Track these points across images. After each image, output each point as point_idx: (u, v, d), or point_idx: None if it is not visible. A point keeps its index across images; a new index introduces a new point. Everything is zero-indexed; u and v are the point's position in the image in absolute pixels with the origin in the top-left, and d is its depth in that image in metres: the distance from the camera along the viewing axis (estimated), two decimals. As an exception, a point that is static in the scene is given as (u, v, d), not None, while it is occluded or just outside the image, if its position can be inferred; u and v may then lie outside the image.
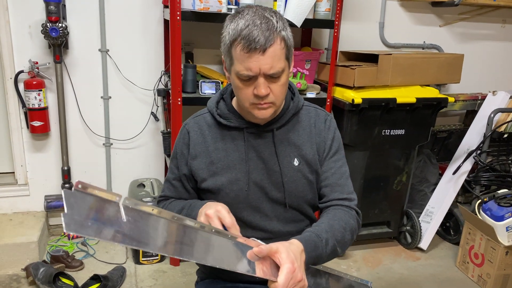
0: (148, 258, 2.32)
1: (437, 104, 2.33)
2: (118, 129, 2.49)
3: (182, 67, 2.11)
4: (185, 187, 1.22)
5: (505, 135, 2.51)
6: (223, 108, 1.18)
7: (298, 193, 1.17)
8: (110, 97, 2.43)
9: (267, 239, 1.16)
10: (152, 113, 2.46)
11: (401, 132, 2.35)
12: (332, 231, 1.05)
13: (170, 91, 2.15)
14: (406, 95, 2.28)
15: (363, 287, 1.27)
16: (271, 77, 1.02)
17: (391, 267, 2.45)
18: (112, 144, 2.51)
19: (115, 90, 2.43)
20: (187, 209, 1.13)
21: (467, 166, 2.56)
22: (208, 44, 2.46)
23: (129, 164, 2.58)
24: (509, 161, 2.60)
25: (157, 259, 2.35)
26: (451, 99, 2.33)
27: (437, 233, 2.72)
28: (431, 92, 2.36)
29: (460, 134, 2.84)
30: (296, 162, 1.16)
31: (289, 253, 0.89)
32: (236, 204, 1.15)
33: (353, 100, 2.16)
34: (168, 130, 2.35)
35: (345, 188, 1.18)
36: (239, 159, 1.16)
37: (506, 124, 2.85)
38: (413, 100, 2.25)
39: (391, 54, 2.26)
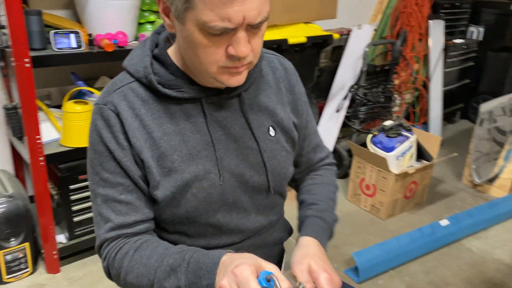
0: (15, 274, 1.77)
1: (323, 42, 2.24)
2: None
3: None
4: (147, 195, 0.83)
5: (378, 68, 2.61)
6: (163, 71, 0.80)
7: (280, 171, 0.90)
8: None
9: (243, 241, 0.91)
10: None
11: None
12: (331, 205, 0.98)
13: (8, 49, 1.55)
14: (295, 34, 2.12)
15: None
16: (252, 28, 0.70)
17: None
18: None
19: None
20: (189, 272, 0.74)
21: (346, 102, 2.61)
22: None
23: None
24: (380, 93, 2.75)
25: (28, 271, 1.81)
26: (336, 36, 2.27)
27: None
28: (315, 30, 2.25)
29: (330, 71, 2.87)
30: (272, 132, 0.89)
31: (318, 261, 0.78)
32: (208, 206, 0.83)
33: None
34: (14, 104, 1.72)
35: (323, 145, 1.06)
36: (203, 143, 0.82)
37: (377, 57, 2.99)
38: (304, 40, 2.11)
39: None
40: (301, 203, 0.99)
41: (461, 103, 3.81)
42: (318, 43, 2.23)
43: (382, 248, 1.96)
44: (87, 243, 1.87)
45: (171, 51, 0.81)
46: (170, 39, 0.84)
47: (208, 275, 0.70)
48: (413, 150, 2.33)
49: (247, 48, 0.70)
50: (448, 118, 3.78)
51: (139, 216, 0.82)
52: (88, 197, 1.80)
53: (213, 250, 0.74)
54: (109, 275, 0.84)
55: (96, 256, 1.90)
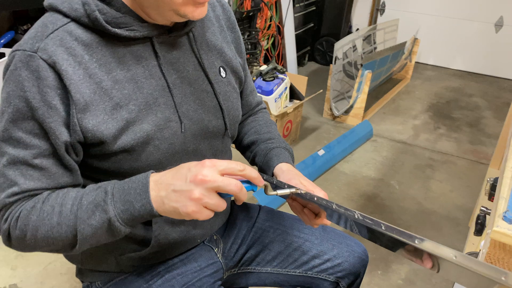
0: None
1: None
2: None
3: None
4: (66, 163, 0.72)
5: (244, 15, 2.64)
6: (106, 8, 0.69)
7: (234, 113, 0.89)
8: None
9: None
10: None
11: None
12: (283, 140, 1.01)
13: None
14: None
15: None
16: None
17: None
18: None
19: None
20: (115, 199, 0.66)
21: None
22: None
23: None
24: (247, 40, 2.80)
25: None
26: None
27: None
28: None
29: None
30: (223, 73, 0.87)
31: (307, 180, 0.83)
32: (171, 157, 0.78)
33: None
34: None
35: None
36: (159, 89, 0.76)
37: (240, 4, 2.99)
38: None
39: None
40: (253, 143, 0.99)
41: (308, 46, 4.16)
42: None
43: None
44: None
45: None
46: None
47: (140, 197, 0.65)
48: (287, 91, 2.50)
49: None
50: (298, 61, 4.10)
51: (53, 184, 0.71)
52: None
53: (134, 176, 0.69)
54: (8, 238, 0.71)
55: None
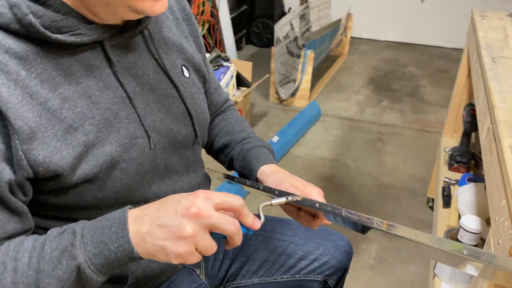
0: None
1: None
2: None
3: None
4: (12, 207, 0.58)
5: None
6: (42, 9, 0.55)
7: (203, 117, 0.79)
8: None
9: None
10: None
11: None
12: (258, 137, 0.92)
13: None
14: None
15: None
16: None
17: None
18: None
19: None
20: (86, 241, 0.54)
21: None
22: None
23: None
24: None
25: None
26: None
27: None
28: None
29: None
30: (186, 73, 0.76)
31: (298, 180, 0.76)
32: (141, 180, 0.67)
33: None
34: None
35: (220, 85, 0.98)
36: (118, 101, 0.64)
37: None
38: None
39: None
40: (226, 146, 0.90)
41: (244, 29, 4.06)
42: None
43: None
44: None
45: None
46: None
47: (116, 235, 0.53)
48: (234, 80, 2.40)
49: None
50: (236, 45, 3.99)
51: None
52: None
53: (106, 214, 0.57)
54: None
55: None
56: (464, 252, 0.46)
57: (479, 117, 1.04)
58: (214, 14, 3.31)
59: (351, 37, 4.12)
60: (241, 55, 3.99)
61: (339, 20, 3.49)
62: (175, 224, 0.51)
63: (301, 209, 0.74)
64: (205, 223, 0.52)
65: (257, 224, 0.57)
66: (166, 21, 0.75)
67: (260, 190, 0.72)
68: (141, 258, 0.54)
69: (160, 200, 0.55)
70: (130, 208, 0.56)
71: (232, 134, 0.90)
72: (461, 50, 4.20)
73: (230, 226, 0.53)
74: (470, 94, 1.77)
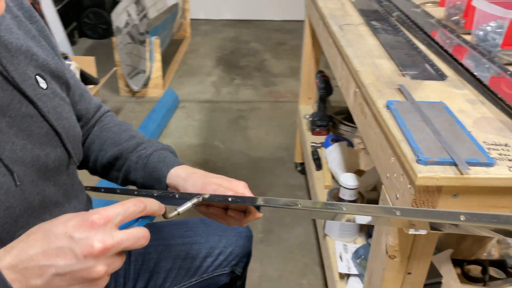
0: None
1: None
2: None
3: None
4: None
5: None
6: None
7: (74, 132, 0.67)
8: None
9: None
10: None
11: None
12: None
13: None
14: None
15: None
16: None
17: None
18: None
19: None
20: None
21: None
22: None
23: None
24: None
25: None
26: None
27: None
28: None
29: None
30: (42, 83, 0.63)
31: (219, 177, 0.71)
32: (12, 226, 0.54)
33: None
34: None
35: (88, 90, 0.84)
36: None
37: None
38: None
39: None
40: (116, 159, 0.78)
41: (74, 21, 3.68)
42: None
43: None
44: None
45: None
46: None
47: None
48: (79, 78, 2.15)
49: None
50: (68, 40, 3.60)
51: None
52: None
53: None
54: None
55: None
56: (397, 214, 0.46)
57: (340, 82, 1.11)
58: (37, 9, 2.91)
59: (191, 19, 4.08)
60: (77, 50, 3.63)
61: (176, 4, 3.40)
62: (79, 268, 0.42)
63: (228, 208, 0.69)
64: (115, 252, 0.45)
65: (162, 207, 0.52)
66: (3, 22, 0.60)
67: (176, 198, 0.64)
68: None
69: (32, 237, 0.44)
70: None
71: (120, 143, 0.78)
72: (292, 21, 4.55)
73: (141, 241, 0.46)
74: (317, 62, 1.91)
